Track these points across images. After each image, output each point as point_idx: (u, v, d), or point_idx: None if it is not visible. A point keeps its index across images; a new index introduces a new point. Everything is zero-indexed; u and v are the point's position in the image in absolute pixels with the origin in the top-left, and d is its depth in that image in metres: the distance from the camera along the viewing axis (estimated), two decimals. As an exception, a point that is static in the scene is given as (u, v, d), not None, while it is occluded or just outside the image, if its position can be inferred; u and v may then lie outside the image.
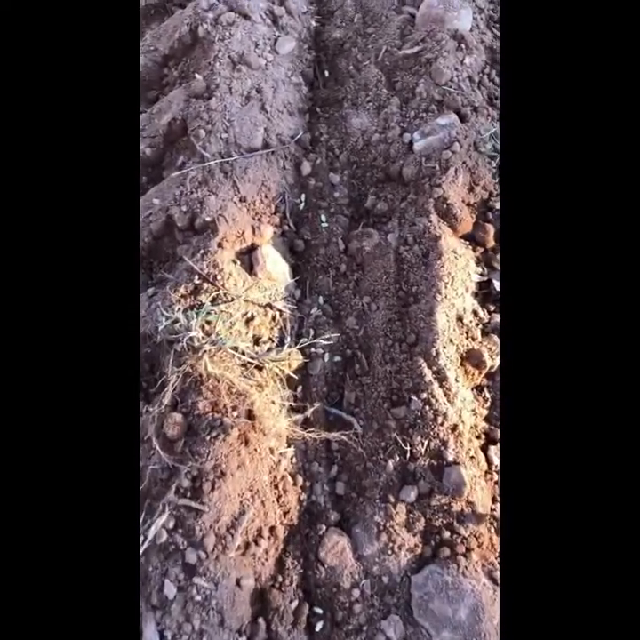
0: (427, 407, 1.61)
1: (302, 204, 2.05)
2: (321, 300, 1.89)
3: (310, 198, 2.05)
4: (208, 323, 1.73)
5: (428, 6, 2.15)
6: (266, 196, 1.96)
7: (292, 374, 1.75)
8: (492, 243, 1.88)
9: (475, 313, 1.79)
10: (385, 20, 2.30)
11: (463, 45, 2.10)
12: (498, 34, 2.26)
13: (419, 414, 1.61)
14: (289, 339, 1.79)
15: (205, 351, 1.63)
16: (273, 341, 1.79)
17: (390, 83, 2.16)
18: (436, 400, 1.61)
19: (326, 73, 2.35)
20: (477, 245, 1.90)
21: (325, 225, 1.99)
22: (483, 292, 1.85)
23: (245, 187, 1.92)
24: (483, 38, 2.19)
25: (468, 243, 1.89)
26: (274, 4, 2.30)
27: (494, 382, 1.76)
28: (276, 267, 1.84)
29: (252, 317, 1.78)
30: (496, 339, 1.75)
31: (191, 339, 1.64)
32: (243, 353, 1.70)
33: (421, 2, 2.28)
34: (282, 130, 2.07)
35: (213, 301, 1.76)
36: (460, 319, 1.75)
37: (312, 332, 1.83)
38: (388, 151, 2.02)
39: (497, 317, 1.79)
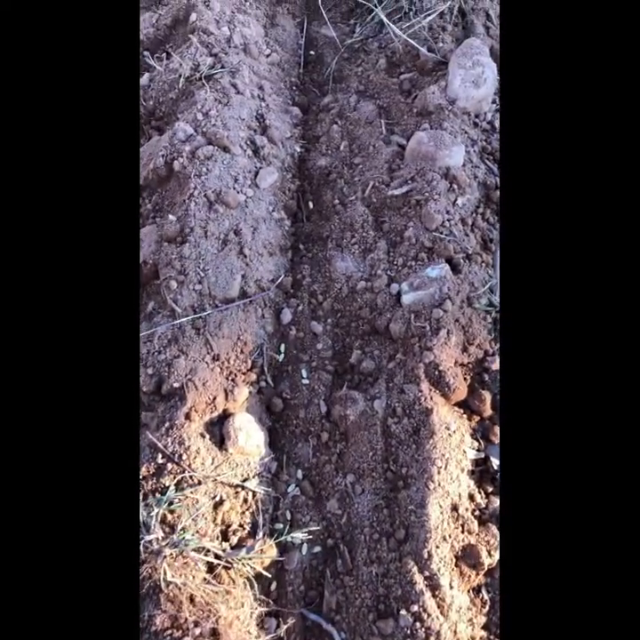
0: (417, 623, 1.42)
1: (282, 356, 1.90)
2: (300, 474, 1.71)
3: (291, 350, 1.90)
4: (171, 512, 1.54)
5: (418, 142, 2.05)
6: (242, 351, 1.81)
7: (264, 571, 1.55)
8: (488, 411, 1.73)
9: (471, 497, 1.62)
10: (373, 151, 2.20)
11: (455, 185, 1.99)
12: (491, 166, 2.16)
13: (408, 632, 1.42)
14: (262, 527, 1.60)
15: (165, 556, 1.44)
16: (244, 528, 1.61)
17: (377, 223, 2.04)
18: (428, 615, 1.43)
19: (311, 204, 2.24)
20: (473, 414, 1.74)
21: (306, 381, 1.83)
22: (479, 470, 1.68)
23: (219, 343, 1.77)
24: (476, 173, 2.09)
25: (462, 411, 1.73)
26: (255, 132, 2.20)
27: (493, 579, 1.58)
28: (249, 440, 1.66)
29: (222, 501, 1.60)
30: (494, 530, 1.57)
31: (150, 541, 1.45)
32: (208, 551, 1.51)
33: (411, 133, 2.18)
34: (261, 275, 1.94)
35: (178, 485, 1.58)
36: (454, 508, 1.57)
37: (289, 514, 1.65)
38: (374, 301, 1.88)
39: (496, 502, 1.62)
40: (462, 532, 1.56)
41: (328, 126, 2.34)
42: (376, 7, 2.43)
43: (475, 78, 2.18)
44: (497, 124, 2.26)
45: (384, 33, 2.45)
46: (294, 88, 2.56)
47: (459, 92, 2.18)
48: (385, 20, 2.34)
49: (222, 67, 2.26)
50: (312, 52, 2.65)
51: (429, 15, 2.36)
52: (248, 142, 2.15)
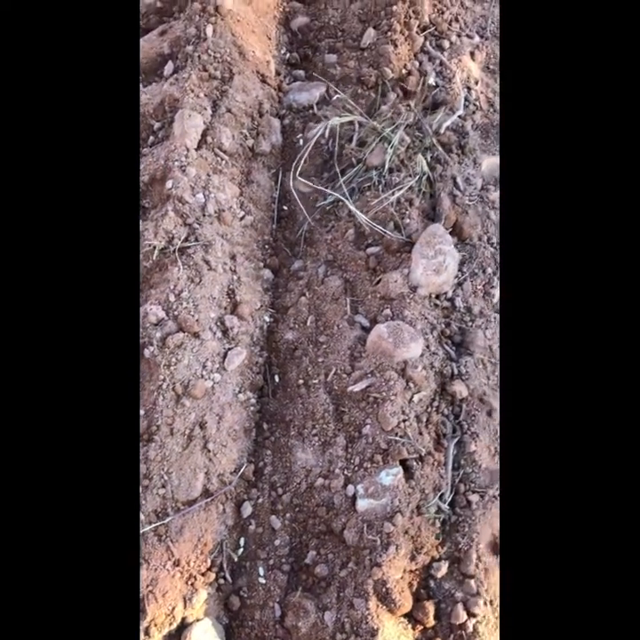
0: None
1: (241, 550, 2.03)
2: (253, 683, 1.84)
3: (249, 544, 2.04)
4: None
5: (378, 336, 2.20)
6: (202, 552, 1.94)
7: None
8: (431, 622, 1.87)
9: None
10: (337, 331, 2.34)
11: (412, 384, 2.13)
12: (449, 350, 2.31)
13: None
14: None
15: None
16: None
17: (338, 413, 2.19)
18: None
19: (276, 378, 2.37)
20: (417, 623, 1.88)
21: (263, 580, 1.97)
22: (421, 683, 1.83)
23: (180, 548, 1.90)
24: (433, 362, 2.24)
25: (406, 621, 1.88)
26: (226, 311, 2.33)
27: None
28: (206, 654, 1.79)
29: None
30: None
31: None
32: None
33: (374, 315, 2.34)
34: (224, 468, 2.07)
35: None
36: None
37: None
38: (331, 500, 2.02)
39: None
40: None
41: (297, 297, 2.48)
42: (335, 189, 2.57)
43: (436, 267, 2.33)
44: (457, 302, 2.41)
45: (354, 199, 2.58)
46: (266, 247, 2.68)
47: (420, 279, 2.34)
48: (352, 207, 2.48)
49: (196, 239, 2.38)
50: (285, 208, 2.78)
51: (397, 190, 2.51)
52: (218, 323, 2.27)
